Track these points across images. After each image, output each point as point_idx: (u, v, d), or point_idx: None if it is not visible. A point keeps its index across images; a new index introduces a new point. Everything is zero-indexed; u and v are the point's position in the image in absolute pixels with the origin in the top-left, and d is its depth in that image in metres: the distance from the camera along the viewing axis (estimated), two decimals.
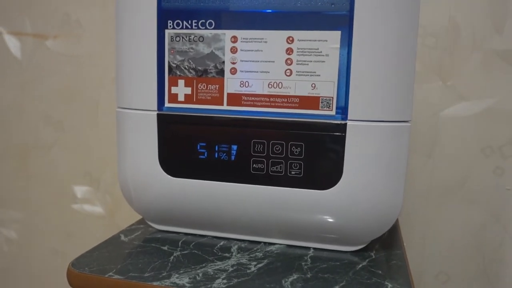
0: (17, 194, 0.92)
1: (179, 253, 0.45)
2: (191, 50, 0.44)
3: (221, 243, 0.48)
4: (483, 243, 0.72)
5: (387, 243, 0.50)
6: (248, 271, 0.42)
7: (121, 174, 0.49)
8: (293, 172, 0.44)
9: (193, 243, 0.48)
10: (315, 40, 0.41)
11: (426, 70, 0.69)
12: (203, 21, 0.44)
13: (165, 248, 0.46)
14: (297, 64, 0.42)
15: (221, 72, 0.44)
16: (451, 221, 0.72)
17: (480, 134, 0.69)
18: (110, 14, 0.81)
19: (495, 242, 0.71)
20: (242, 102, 0.44)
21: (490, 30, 0.67)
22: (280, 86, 0.43)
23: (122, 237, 0.49)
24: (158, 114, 0.46)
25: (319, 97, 0.42)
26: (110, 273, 0.40)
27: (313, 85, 0.42)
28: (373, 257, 0.46)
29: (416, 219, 0.74)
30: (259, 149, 0.44)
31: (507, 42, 0.66)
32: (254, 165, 0.44)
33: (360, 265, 0.44)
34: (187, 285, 0.38)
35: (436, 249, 0.74)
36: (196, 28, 0.44)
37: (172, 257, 0.44)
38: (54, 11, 0.83)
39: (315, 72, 0.42)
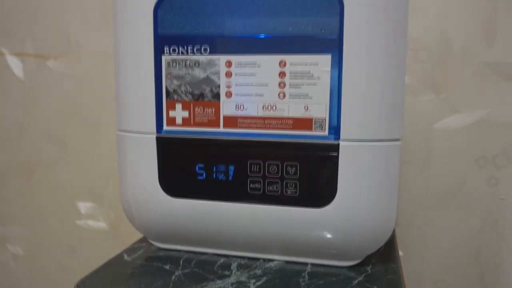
0: (22, 211, 0.94)
1: (180, 272, 0.46)
2: (188, 75, 0.46)
3: (221, 260, 0.49)
4: (480, 251, 0.73)
5: (383, 257, 0.51)
6: None
7: (123, 194, 0.51)
8: (289, 191, 0.45)
9: (194, 261, 0.49)
10: (307, 64, 0.43)
11: (419, 83, 0.71)
12: (198, 47, 0.45)
13: (167, 267, 0.48)
14: (290, 87, 0.43)
15: (217, 96, 0.45)
16: (448, 230, 0.74)
17: (473, 145, 0.70)
18: (109, 34, 0.82)
19: (492, 250, 0.72)
20: (238, 124, 0.45)
21: (481, 44, 0.68)
22: (274, 109, 0.44)
23: (125, 257, 0.51)
24: (157, 137, 0.47)
25: (312, 118, 0.43)
26: None
27: (306, 107, 0.43)
28: (369, 271, 0.47)
29: (413, 229, 0.75)
30: (256, 169, 0.45)
31: (498, 55, 0.68)
32: (251, 185, 0.46)
33: (356, 281, 0.45)
34: None
35: (434, 258, 0.75)
36: (191, 53, 0.45)
37: (173, 276, 0.45)
38: (55, 32, 0.85)
39: (307, 95, 0.43)
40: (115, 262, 0.49)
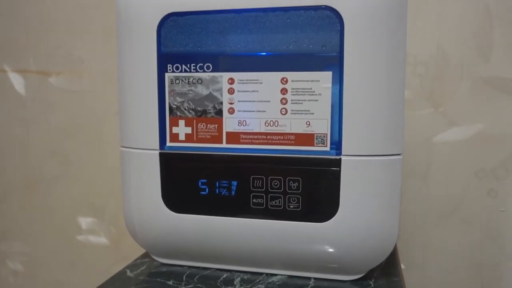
0: (23, 227, 0.94)
1: (183, 287, 0.46)
2: (191, 91, 0.46)
3: (224, 276, 0.49)
4: (481, 264, 0.73)
5: (386, 271, 0.51)
6: None
7: (126, 210, 0.51)
8: (291, 206, 0.45)
9: (197, 277, 0.49)
10: (308, 81, 0.44)
11: (418, 97, 0.72)
12: (201, 64, 0.46)
13: (170, 283, 0.48)
14: (291, 103, 0.44)
15: (219, 112, 0.46)
16: (449, 243, 0.74)
17: (472, 158, 0.71)
18: (111, 50, 0.84)
19: (493, 263, 0.73)
20: (241, 140, 0.46)
21: (477, 58, 0.69)
22: (276, 125, 0.45)
23: (128, 273, 0.51)
24: (160, 153, 0.48)
25: (314, 134, 0.44)
26: None
27: (308, 123, 0.44)
28: (372, 285, 0.47)
29: (415, 242, 0.75)
30: (258, 184, 0.46)
31: (494, 69, 0.69)
32: (254, 200, 0.46)
33: None
34: None
35: (435, 271, 0.75)
36: (194, 71, 0.46)
37: None
38: (57, 49, 0.86)
39: (309, 111, 0.44)
40: (118, 278, 0.49)
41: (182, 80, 0.47)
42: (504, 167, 0.70)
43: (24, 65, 0.88)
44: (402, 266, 0.74)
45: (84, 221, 0.90)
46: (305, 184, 0.45)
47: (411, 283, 0.76)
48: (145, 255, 0.56)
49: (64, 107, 0.88)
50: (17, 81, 0.89)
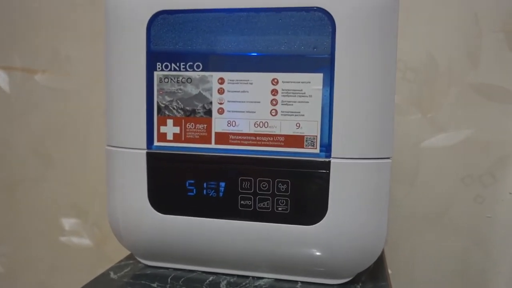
0: (4, 227, 0.92)
1: None
2: (180, 91, 0.46)
3: (210, 278, 0.49)
4: (466, 269, 0.73)
5: (373, 275, 0.51)
6: None
7: (111, 211, 0.50)
8: (280, 208, 0.45)
9: (183, 279, 0.48)
10: (299, 82, 0.43)
11: (407, 103, 0.72)
12: (191, 63, 0.45)
13: (155, 285, 0.47)
14: (282, 104, 0.44)
15: (208, 112, 0.45)
16: (435, 248, 0.74)
17: (459, 164, 0.71)
18: (99, 49, 0.82)
19: (479, 268, 0.73)
20: (230, 140, 0.45)
21: (465, 65, 0.70)
22: (266, 126, 0.44)
23: (112, 275, 0.50)
24: (147, 153, 0.47)
25: (304, 135, 0.44)
26: None
27: (298, 125, 0.44)
28: None
29: (402, 247, 0.75)
30: (247, 186, 0.45)
31: (482, 76, 0.70)
32: (241, 202, 0.45)
33: None
34: None
35: (422, 276, 0.75)
36: (184, 70, 0.46)
37: None
38: (43, 47, 0.85)
39: (299, 112, 0.44)
40: (101, 280, 0.48)
41: (171, 79, 0.46)
42: (490, 173, 0.71)
43: (9, 62, 0.87)
44: (389, 271, 0.74)
45: (67, 222, 0.88)
46: (294, 186, 0.44)
47: (399, 287, 0.76)
48: (130, 257, 0.55)
49: (49, 105, 0.86)
50: (1, 78, 0.87)
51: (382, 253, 0.59)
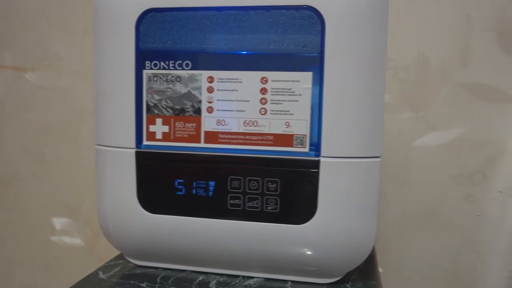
0: None
1: None
2: (169, 89, 0.46)
3: (200, 278, 0.48)
4: (457, 268, 0.74)
5: (363, 274, 0.51)
6: None
7: (100, 210, 0.50)
8: (269, 208, 0.45)
9: (172, 279, 0.48)
10: (288, 81, 0.43)
11: (398, 101, 0.72)
12: (180, 62, 0.45)
13: (144, 285, 0.46)
14: (271, 103, 0.44)
15: (198, 111, 0.45)
16: (426, 247, 0.74)
17: (450, 163, 0.72)
18: (90, 48, 0.82)
19: (469, 267, 0.73)
20: (219, 139, 0.45)
21: (457, 64, 0.70)
22: (255, 125, 0.44)
23: (101, 275, 0.49)
24: (136, 152, 0.47)
25: (293, 134, 0.44)
26: None
27: (287, 124, 0.44)
28: None
29: (392, 246, 0.75)
30: (236, 185, 0.45)
31: (473, 75, 0.70)
32: (231, 201, 0.45)
33: None
34: None
35: (412, 275, 0.75)
36: (173, 68, 0.45)
37: None
38: (33, 45, 0.84)
39: (288, 111, 0.43)
40: (90, 280, 0.48)
41: (160, 78, 0.46)
42: (481, 172, 0.71)
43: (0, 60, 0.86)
44: (380, 270, 0.74)
45: (59, 222, 0.88)
46: (284, 185, 0.44)
47: (388, 286, 0.76)
48: (119, 257, 0.54)
49: (40, 104, 0.85)
50: None
51: (373, 251, 0.59)
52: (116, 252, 0.55)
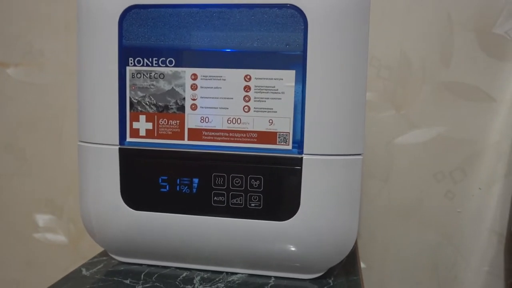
0: None
1: (141, 286, 0.45)
2: (152, 86, 0.46)
3: (184, 274, 0.49)
4: (437, 263, 0.75)
5: (346, 269, 0.51)
6: None
7: (83, 207, 0.50)
8: (252, 204, 0.45)
9: (156, 275, 0.48)
10: (272, 79, 0.44)
11: (381, 100, 0.73)
12: (164, 59, 0.45)
13: (127, 281, 0.47)
14: (254, 101, 0.44)
15: (181, 108, 0.45)
16: (407, 243, 0.76)
17: (431, 160, 0.73)
18: (72, 44, 0.81)
19: (449, 262, 0.75)
20: (203, 137, 0.45)
21: (438, 64, 0.71)
22: (239, 122, 0.44)
23: (84, 271, 0.49)
24: (120, 149, 0.46)
25: (276, 132, 0.44)
26: None
27: (271, 121, 0.44)
28: (331, 284, 0.47)
29: (375, 242, 0.76)
30: (220, 182, 0.45)
31: (454, 75, 0.71)
32: (215, 198, 0.46)
33: None
34: None
35: (394, 270, 0.76)
36: (156, 65, 0.45)
37: None
38: (16, 40, 0.83)
39: (272, 109, 0.44)
40: (73, 277, 0.48)
41: (143, 74, 0.46)
42: (461, 169, 0.72)
43: None
44: (363, 265, 0.75)
45: (41, 219, 0.87)
46: (267, 182, 0.45)
47: (370, 282, 0.77)
48: (103, 254, 0.54)
49: (22, 99, 0.84)
50: None
51: (355, 247, 0.59)
52: (100, 249, 0.55)
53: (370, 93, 0.72)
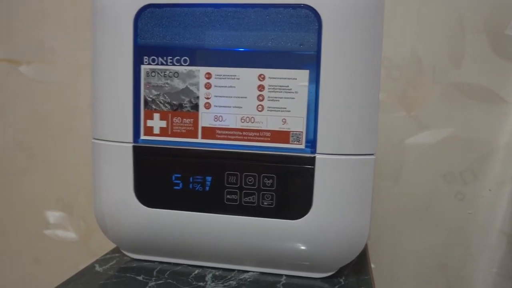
0: None
1: (154, 283, 0.46)
2: (166, 85, 0.46)
3: (196, 272, 0.49)
4: (447, 264, 0.75)
5: (356, 269, 0.52)
6: None
7: (97, 204, 0.50)
8: (265, 203, 0.45)
9: (168, 272, 0.49)
10: (285, 78, 0.44)
11: (391, 100, 0.73)
12: (178, 57, 0.45)
13: (140, 278, 0.47)
14: (268, 100, 0.44)
15: (195, 107, 0.46)
16: (416, 243, 0.76)
17: (441, 161, 0.73)
18: (84, 42, 0.82)
19: (458, 263, 0.75)
20: (216, 135, 0.46)
21: (449, 65, 0.71)
22: (252, 121, 0.45)
23: (97, 267, 0.50)
24: (133, 146, 0.47)
25: (290, 131, 0.44)
26: None
27: (284, 120, 0.44)
28: (342, 283, 0.48)
29: (384, 242, 0.76)
30: (233, 180, 0.46)
31: (465, 76, 0.71)
32: (227, 196, 0.46)
33: None
34: None
35: (403, 271, 0.76)
36: (171, 64, 0.46)
37: (146, 287, 0.45)
38: (28, 38, 0.84)
39: (285, 108, 0.44)
40: (86, 273, 0.48)
41: (158, 73, 0.46)
42: (471, 170, 0.72)
43: None
44: (372, 266, 0.76)
45: (52, 215, 0.88)
46: (279, 181, 0.45)
47: (380, 282, 0.77)
48: (115, 250, 0.55)
49: (33, 97, 0.85)
50: None
51: (365, 247, 0.60)
52: (111, 246, 0.56)
53: (381, 93, 0.72)
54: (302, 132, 0.44)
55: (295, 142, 0.44)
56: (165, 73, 0.46)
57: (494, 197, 0.73)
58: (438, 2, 0.70)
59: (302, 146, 0.44)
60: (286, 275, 0.49)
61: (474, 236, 0.74)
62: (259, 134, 0.45)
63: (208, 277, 0.48)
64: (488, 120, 0.71)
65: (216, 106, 0.45)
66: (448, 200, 0.73)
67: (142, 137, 0.47)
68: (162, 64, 0.46)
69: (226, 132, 0.45)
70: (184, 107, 0.46)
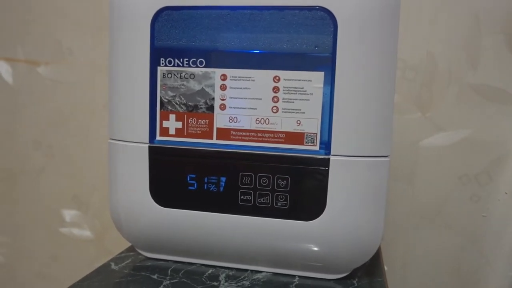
0: (5, 219, 0.92)
1: (168, 282, 0.46)
2: (182, 86, 0.46)
3: (210, 271, 0.50)
4: (461, 268, 0.74)
5: (369, 271, 0.52)
6: None
7: (112, 203, 0.51)
8: (279, 204, 0.46)
9: (182, 271, 0.49)
10: (300, 80, 0.44)
11: (406, 102, 0.73)
12: (194, 59, 0.46)
13: (155, 276, 0.48)
14: (283, 101, 0.45)
15: (211, 108, 0.46)
16: (430, 246, 0.75)
17: (457, 163, 0.72)
18: (101, 42, 0.83)
19: (472, 267, 0.74)
20: (231, 136, 0.46)
21: (465, 65, 0.71)
22: (267, 122, 0.45)
23: (113, 266, 0.50)
24: (149, 147, 0.48)
25: (304, 133, 0.45)
26: None
27: (298, 122, 0.44)
28: (356, 285, 0.48)
29: (397, 244, 0.76)
30: (247, 181, 0.46)
31: (481, 77, 0.70)
32: (242, 197, 0.46)
33: None
34: None
35: (416, 273, 0.76)
36: (187, 66, 0.46)
37: (161, 286, 0.45)
38: (46, 39, 0.85)
39: (300, 110, 0.44)
40: (102, 271, 0.49)
41: (174, 75, 0.47)
42: (487, 173, 0.72)
43: (12, 54, 0.87)
44: (385, 268, 0.75)
45: (68, 214, 0.89)
46: (293, 182, 0.45)
47: (393, 284, 0.77)
48: (130, 249, 0.56)
49: (51, 97, 0.87)
50: (4, 70, 0.88)
51: (379, 249, 0.59)
52: (125, 245, 0.57)
53: (395, 94, 0.72)
54: (316, 133, 0.44)
55: (309, 144, 0.45)
56: (181, 74, 0.46)
57: (509, 200, 0.72)
58: (454, 3, 0.70)
59: (317, 148, 0.44)
60: (299, 276, 0.49)
61: (489, 239, 0.73)
62: (274, 135, 0.45)
63: (222, 277, 0.48)
64: (504, 122, 0.70)
65: (231, 107, 0.46)
66: (463, 203, 0.73)
67: (158, 137, 0.48)
68: (178, 65, 0.46)
69: (241, 133, 0.46)
70: (199, 108, 0.46)
